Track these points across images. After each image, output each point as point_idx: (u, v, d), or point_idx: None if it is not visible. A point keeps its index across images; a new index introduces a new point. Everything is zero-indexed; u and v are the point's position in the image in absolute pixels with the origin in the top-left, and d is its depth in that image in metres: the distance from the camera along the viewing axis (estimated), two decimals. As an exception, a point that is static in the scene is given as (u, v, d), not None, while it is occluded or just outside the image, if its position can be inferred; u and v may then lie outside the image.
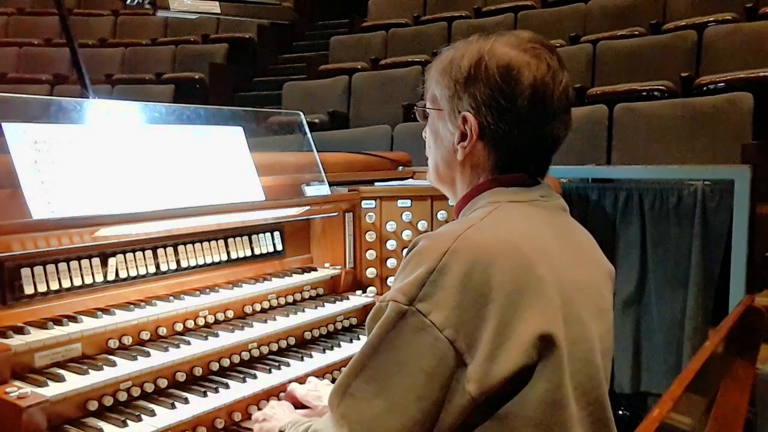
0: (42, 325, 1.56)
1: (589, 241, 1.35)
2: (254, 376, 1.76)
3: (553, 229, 1.25)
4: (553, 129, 1.27)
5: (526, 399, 1.09)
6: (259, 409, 1.68)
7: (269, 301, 2.09)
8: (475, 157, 1.29)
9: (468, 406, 1.07)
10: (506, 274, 1.10)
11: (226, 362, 1.79)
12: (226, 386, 1.68)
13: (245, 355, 1.84)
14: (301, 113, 2.49)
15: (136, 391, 1.58)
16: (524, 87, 1.21)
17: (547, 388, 1.10)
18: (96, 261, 1.74)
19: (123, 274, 1.80)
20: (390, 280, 2.41)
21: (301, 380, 1.83)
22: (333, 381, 1.93)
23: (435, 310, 1.08)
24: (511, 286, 1.10)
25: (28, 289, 1.60)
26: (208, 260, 2.03)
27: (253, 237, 2.18)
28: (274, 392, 1.75)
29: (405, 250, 1.19)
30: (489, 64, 1.23)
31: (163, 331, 1.77)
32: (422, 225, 2.41)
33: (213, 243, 2.05)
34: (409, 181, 2.75)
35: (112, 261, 1.78)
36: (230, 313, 1.96)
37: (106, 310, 1.68)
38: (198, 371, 1.72)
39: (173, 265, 1.93)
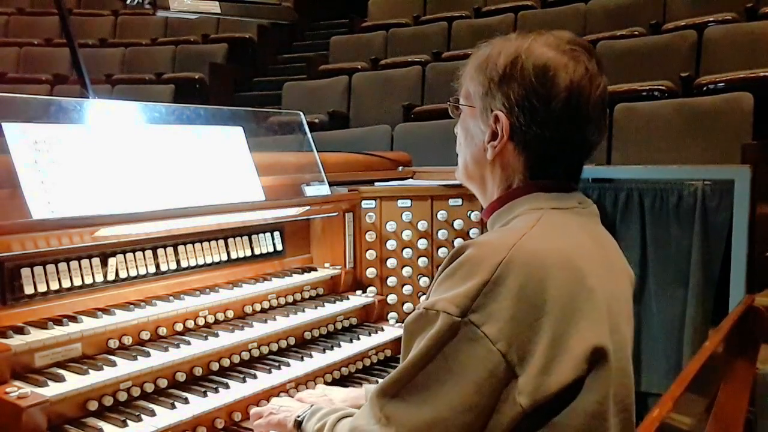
0: (42, 325, 1.56)
1: (616, 248, 1.34)
2: (254, 376, 1.76)
3: (592, 238, 1.24)
4: (587, 134, 1.24)
5: (574, 410, 1.09)
6: (260, 409, 1.68)
7: (269, 301, 2.09)
8: (505, 158, 1.26)
9: (517, 418, 1.07)
10: (561, 286, 1.09)
11: (226, 362, 1.79)
12: (226, 386, 1.68)
13: (245, 355, 1.84)
14: (301, 113, 2.49)
15: (136, 391, 1.58)
16: (560, 89, 1.19)
17: (596, 400, 1.10)
18: (96, 261, 1.74)
19: (123, 274, 1.80)
20: (390, 280, 2.41)
21: (300, 380, 1.83)
22: (333, 380, 1.93)
23: (488, 322, 1.07)
24: (565, 299, 1.09)
25: (28, 289, 1.60)
26: (208, 260, 2.03)
27: (253, 237, 2.18)
28: (274, 392, 1.75)
29: (448, 253, 1.17)
30: (525, 63, 1.20)
31: (163, 331, 1.77)
32: (422, 225, 2.41)
33: (213, 243, 2.05)
34: (409, 181, 2.75)
35: (112, 261, 1.78)
36: (230, 313, 1.96)
37: (106, 310, 1.68)
38: (198, 371, 1.72)
39: (173, 265, 1.93)
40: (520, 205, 1.25)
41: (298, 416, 1.43)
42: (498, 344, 1.06)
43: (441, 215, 2.41)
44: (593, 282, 1.14)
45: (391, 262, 2.42)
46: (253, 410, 1.62)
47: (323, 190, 2.33)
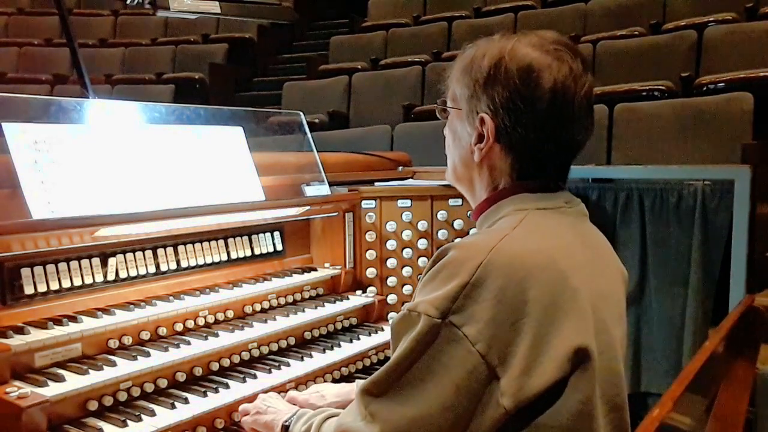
0: (42, 325, 1.56)
1: (607, 247, 1.34)
2: (254, 376, 1.76)
3: (579, 237, 1.24)
4: (574, 133, 1.24)
5: (559, 410, 1.10)
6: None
7: (269, 301, 2.09)
8: (492, 159, 1.27)
9: (501, 419, 1.07)
10: (542, 287, 1.09)
11: (226, 362, 1.79)
12: (226, 386, 1.68)
13: (245, 355, 1.84)
14: (301, 113, 2.49)
15: (136, 391, 1.58)
16: (544, 90, 1.19)
17: (580, 400, 1.10)
18: (96, 261, 1.74)
19: (123, 274, 1.80)
20: (390, 280, 2.41)
21: (300, 380, 1.83)
22: (333, 381, 1.93)
23: (468, 323, 1.07)
24: (547, 299, 1.09)
25: (28, 289, 1.60)
26: (208, 260, 2.03)
27: (253, 237, 2.18)
28: (272, 392, 1.74)
29: (434, 254, 1.18)
30: (509, 65, 1.20)
31: (163, 331, 1.77)
32: (422, 225, 2.41)
33: (213, 243, 2.05)
34: (409, 181, 2.75)
35: (112, 261, 1.78)
36: (230, 313, 1.96)
37: (106, 310, 1.69)
38: (198, 371, 1.72)
39: (173, 265, 1.93)
40: (505, 206, 1.26)
41: (285, 421, 1.43)
42: (477, 345, 1.06)
43: (441, 215, 2.41)
44: (577, 282, 1.14)
45: (391, 262, 2.42)
46: (242, 406, 1.62)
47: (323, 190, 2.33)
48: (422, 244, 2.41)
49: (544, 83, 1.19)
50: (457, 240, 1.26)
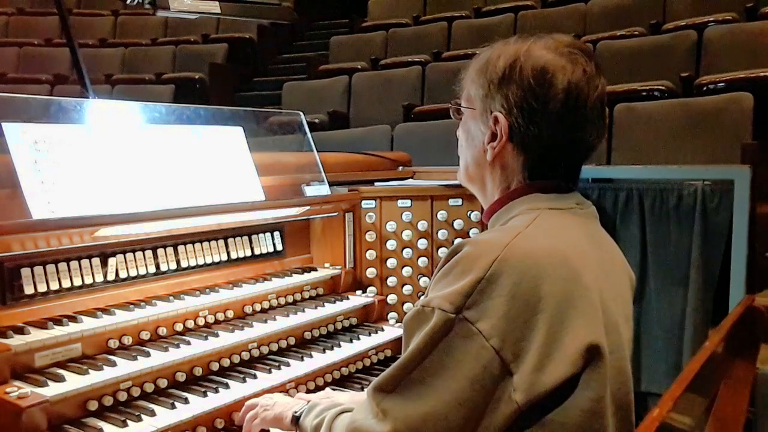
0: (42, 325, 1.56)
1: (616, 249, 1.36)
2: (254, 376, 1.76)
3: (590, 238, 1.26)
4: (586, 135, 1.25)
5: (570, 407, 1.10)
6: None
7: (269, 301, 2.09)
8: (504, 159, 1.28)
9: (513, 415, 1.08)
10: (556, 284, 1.10)
11: (226, 362, 1.79)
12: (226, 386, 1.68)
13: (245, 355, 1.84)
14: (301, 113, 2.49)
15: (136, 391, 1.58)
16: (557, 91, 1.21)
17: (591, 398, 1.11)
18: (96, 261, 1.74)
19: (123, 274, 1.80)
20: (390, 280, 2.41)
21: (300, 380, 1.83)
22: (333, 380, 1.93)
23: (482, 318, 1.08)
24: (560, 296, 1.10)
25: (28, 289, 1.60)
26: (208, 260, 2.03)
27: (253, 237, 2.18)
28: (274, 392, 1.74)
29: (446, 252, 1.19)
30: (524, 65, 1.22)
31: (163, 331, 1.77)
32: (422, 225, 2.41)
33: (213, 243, 2.05)
34: (409, 181, 2.75)
35: (112, 261, 1.78)
36: (230, 313, 1.96)
37: (106, 310, 1.69)
38: (198, 371, 1.72)
39: (173, 265, 1.93)
40: (518, 205, 1.27)
41: (296, 412, 1.43)
42: (491, 340, 1.07)
43: (441, 215, 2.41)
44: (589, 280, 1.15)
45: (391, 262, 2.42)
46: (245, 408, 1.60)
47: (323, 190, 2.33)
48: (422, 244, 2.41)
49: (557, 84, 1.21)
50: (462, 238, 1.27)
